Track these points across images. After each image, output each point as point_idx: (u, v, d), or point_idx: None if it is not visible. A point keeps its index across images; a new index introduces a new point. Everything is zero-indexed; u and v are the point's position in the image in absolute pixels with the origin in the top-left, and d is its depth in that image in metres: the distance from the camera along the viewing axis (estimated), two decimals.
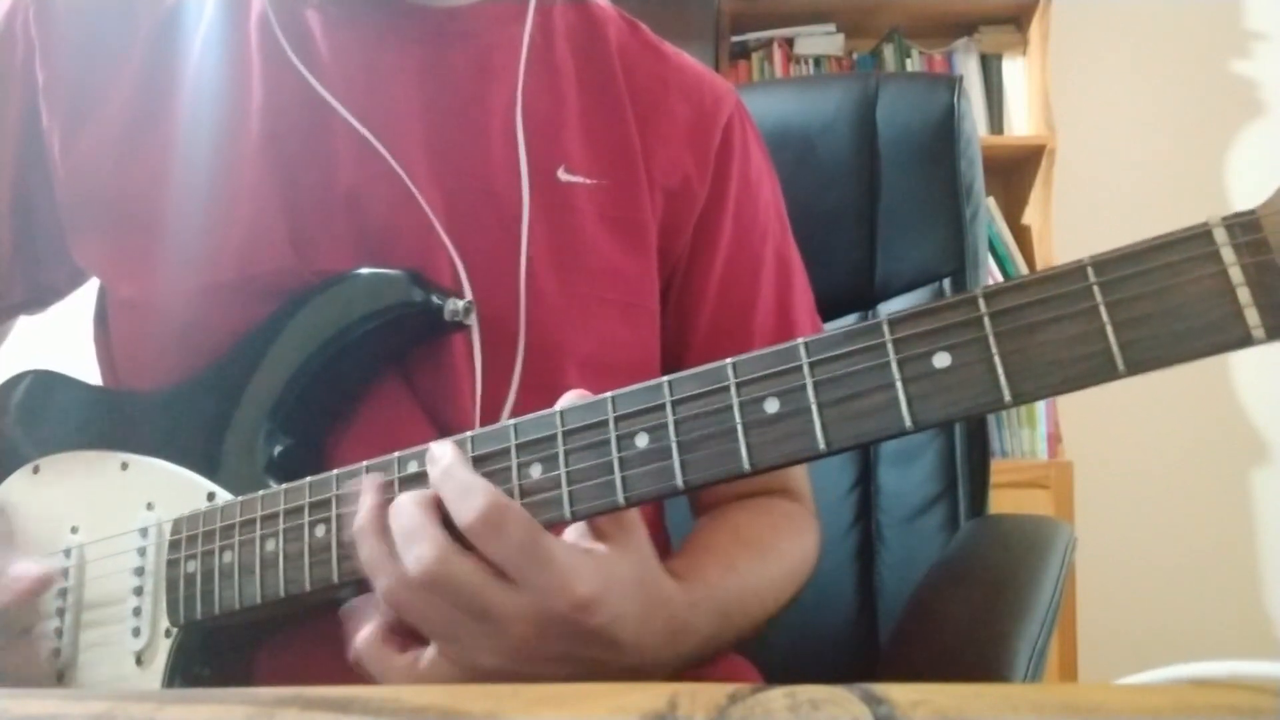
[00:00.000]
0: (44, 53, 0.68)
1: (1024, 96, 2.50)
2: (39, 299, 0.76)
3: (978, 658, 0.67)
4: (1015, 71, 2.52)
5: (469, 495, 0.47)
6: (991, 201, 2.42)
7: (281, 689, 0.31)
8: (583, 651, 0.48)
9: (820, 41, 2.52)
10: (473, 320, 0.62)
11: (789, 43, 2.52)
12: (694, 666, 0.56)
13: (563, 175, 0.68)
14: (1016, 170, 2.49)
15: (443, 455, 0.49)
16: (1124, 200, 2.51)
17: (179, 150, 0.66)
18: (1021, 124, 2.49)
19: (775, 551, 0.67)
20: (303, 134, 0.66)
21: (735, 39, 2.53)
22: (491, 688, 0.30)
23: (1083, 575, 2.24)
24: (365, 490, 0.51)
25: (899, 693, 0.26)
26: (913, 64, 2.51)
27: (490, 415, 0.63)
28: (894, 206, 0.96)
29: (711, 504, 0.72)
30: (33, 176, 0.70)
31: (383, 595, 0.49)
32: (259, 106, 0.66)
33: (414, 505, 0.48)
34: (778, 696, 0.26)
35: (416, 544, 0.47)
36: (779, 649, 0.85)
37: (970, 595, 0.74)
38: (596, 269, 0.68)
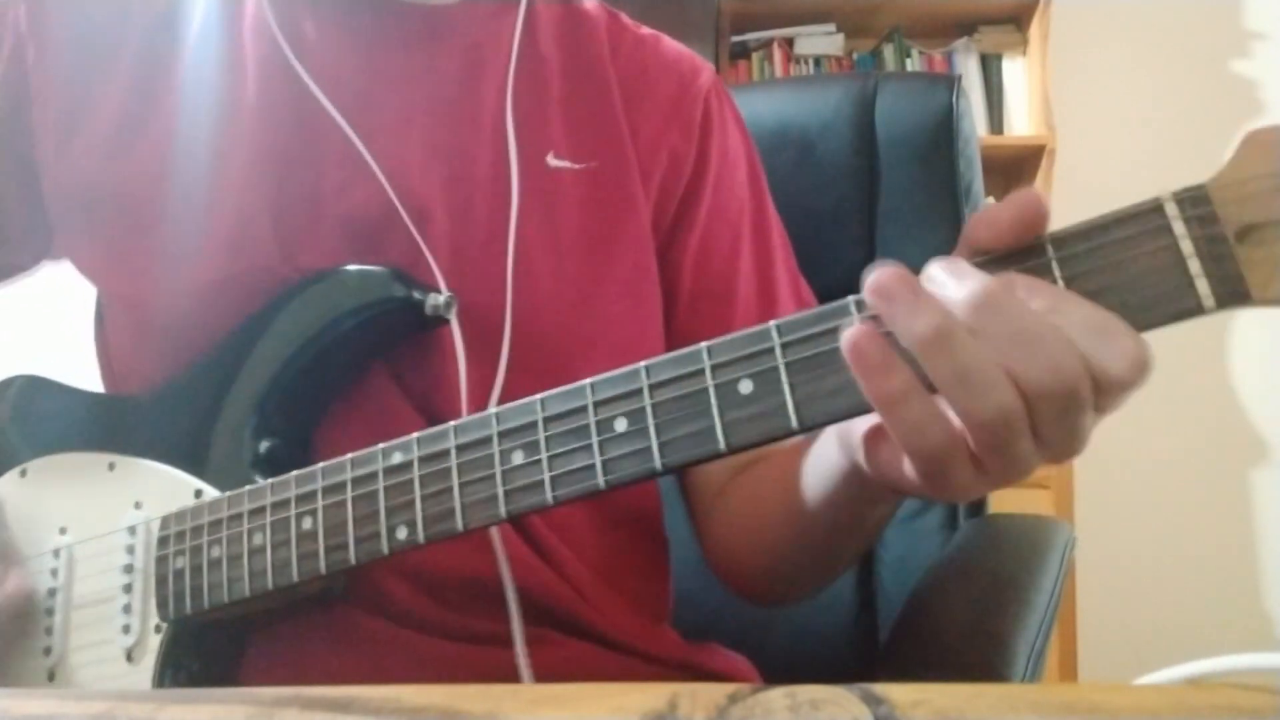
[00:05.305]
0: (38, 48, 0.68)
1: (1024, 96, 2.50)
2: (1, 273, 0.76)
3: (977, 657, 0.67)
4: (1015, 71, 2.52)
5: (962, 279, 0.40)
6: (991, 201, 2.42)
7: (281, 689, 0.31)
8: None
9: (820, 41, 2.52)
10: (453, 315, 0.63)
11: (789, 43, 2.52)
12: None
13: (551, 161, 0.69)
14: (1016, 170, 2.49)
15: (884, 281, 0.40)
16: (1124, 200, 2.49)
17: (170, 149, 0.66)
18: (1021, 124, 2.49)
19: None
20: (294, 134, 0.66)
21: (735, 39, 2.53)
22: (491, 688, 0.30)
23: (1083, 575, 2.24)
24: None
25: (899, 693, 0.26)
26: (913, 64, 2.51)
27: (479, 403, 0.63)
28: (893, 206, 0.96)
29: (704, 485, 0.72)
30: (6, 166, 0.70)
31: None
32: (252, 106, 0.67)
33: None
34: (778, 696, 0.26)
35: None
36: (779, 649, 0.86)
37: (970, 595, 0.74)
38: (590, 250, 0.69)
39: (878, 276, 0.40)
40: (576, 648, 0.64)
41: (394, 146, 0.66)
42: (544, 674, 0.61)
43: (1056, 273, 0.40)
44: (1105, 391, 0.38)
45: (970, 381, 0.39)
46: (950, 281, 0.40)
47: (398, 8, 0.69)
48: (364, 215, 0.65)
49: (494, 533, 0.63)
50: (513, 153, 0.68)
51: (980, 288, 0.39)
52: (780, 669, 0.66)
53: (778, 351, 0.44)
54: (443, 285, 0.64)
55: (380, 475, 0.53)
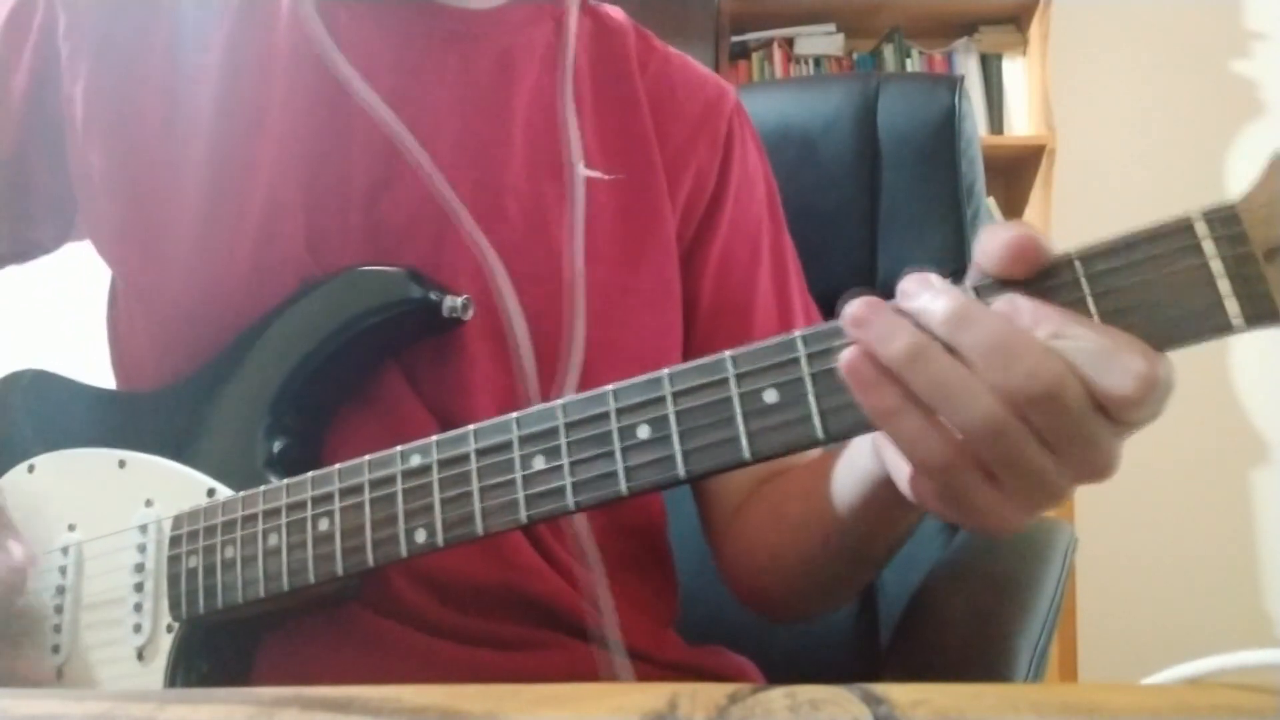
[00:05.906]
0: (69, 17, 0.68)
1: (1024, 96, 2.50)
2: (24, 252, 0.76)
3: (979, 658, 0.67)
4: (1015, 71, 2.52)
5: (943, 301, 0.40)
6: (991, 201, 2.42)
7: (281, 689, 0.31)
8: None
9: (820, 41, 2.52)
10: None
11: (789, 43, 2.52)
12: None
13: (582, 171, 0.70)
14: (1016, 170, 2.49)
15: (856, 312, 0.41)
16: (1124, 200, 2.51)
17: (197, 140, 0.66)
18: (1021, 124, 2.49)
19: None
20: (325, 130, 0.66)
21: (735, 39, 2.53)
22: (491, 688, 0.30)
23: (1083, 575, 2.24)
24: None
25: (899, 693, 0.26)
26: (913, 64, 2.51)
27: (499, 405, 0.63)
28: (895, 207, 0.96)
29: (724, 499, 0.72)
30: (35, 139, 0.70)
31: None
32: (282, 101, 0.66)
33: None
34: (778, 696, 0.26)
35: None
36: (779, 649, 0.85)
37: (971, 596, 0.74)
38: (618, 260, 0.69)
39: (851, 307, 0.41)
40: (582, 651, 0.64)
41: (429, 144, 0.66)
42: (549, 677, 0.61)
43: (1085, 289, 0.40)
44: (1116, 409, 0.38)
45: (949, 393, 0.39)
46: (923, 295, 0.41)
47: (435, 8, 0.70)
48: (391, 213, 0.65)
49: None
50: (577, 156, 0.69)
51: (951, 304, 0.40)
52: (782, 671, 0.66)
53: (803, 361, 0.44)
54: (508, 288, 0.64)
55: (399, 478, 0.53)
